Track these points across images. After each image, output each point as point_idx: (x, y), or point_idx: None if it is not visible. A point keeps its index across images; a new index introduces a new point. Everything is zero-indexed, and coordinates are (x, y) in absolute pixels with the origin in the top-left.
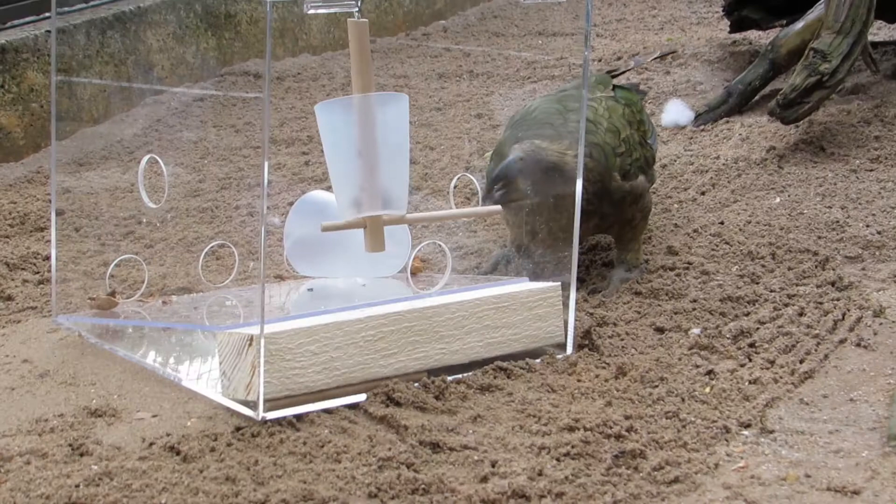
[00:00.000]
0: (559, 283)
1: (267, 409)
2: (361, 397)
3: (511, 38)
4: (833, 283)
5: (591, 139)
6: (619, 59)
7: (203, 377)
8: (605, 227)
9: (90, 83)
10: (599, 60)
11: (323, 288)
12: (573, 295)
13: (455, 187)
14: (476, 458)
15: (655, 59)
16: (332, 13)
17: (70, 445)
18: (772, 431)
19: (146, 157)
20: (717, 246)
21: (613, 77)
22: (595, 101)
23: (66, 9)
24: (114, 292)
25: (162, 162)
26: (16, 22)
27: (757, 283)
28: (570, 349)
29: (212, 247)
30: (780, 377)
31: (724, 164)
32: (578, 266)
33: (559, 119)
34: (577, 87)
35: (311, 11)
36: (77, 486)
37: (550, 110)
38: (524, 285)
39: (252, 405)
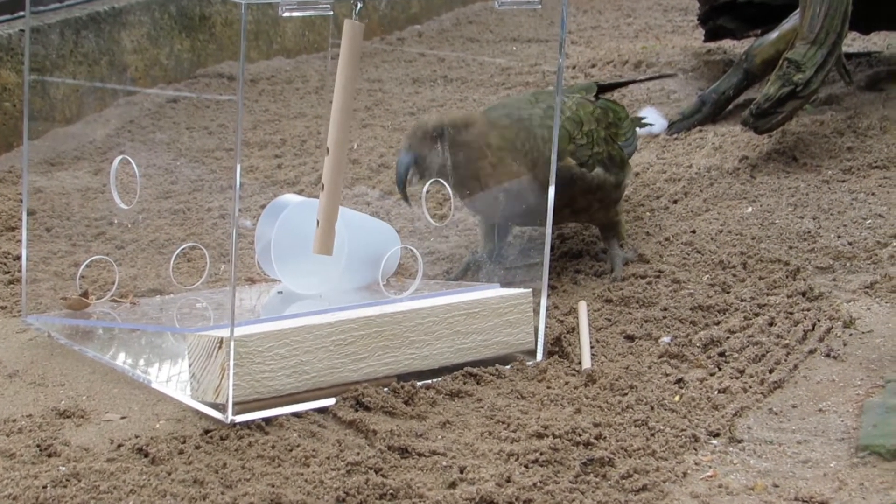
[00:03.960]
0: (530, 290)
1: (236, 412)
2: (331, 401)
3: (486, 44)
4: (804, 294)
5: (548, 123)
6: (593, 66)
7: (172, 379)
8: (565, 208)
9: (63, 83)
10: (574, 67)
11: (292, 291)
12: (544, 302)
13: (427, 192)
14: (444, 463)
15: (651, 79)
16: (306, 16)
17: (38, 446)
18: (740, 441)
19: (118, 158)
20: (689, 255)
21: (605, 89)
22: (568, 98)
23: (41, 8)
24: (86, 293)
25: (134, 163)
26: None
27: (728, 293)
28: (539, 356)
29: (183, 249)
30: (750, 387)
31: (696, 173)
32: (550, 273)
33: (524, 106)
34: (539, 91)
35: (287, 15)
36: (45, 486)
37: (521, 100)
38: (495, 291)
39: (221, 408)
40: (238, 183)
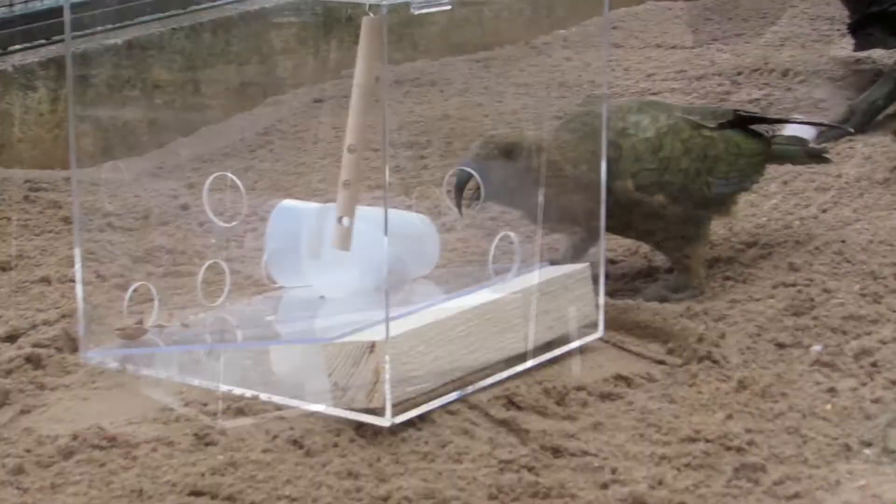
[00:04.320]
0: (588, 265)
1: (394, 414)
2: (481, 397)
3: (630, 50)
4: None
5: (619, 140)
6: (739, 73)
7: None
8: (628, 229)
9: (213, 80)
10: (719, 75)
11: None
12: (602, 275)
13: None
14: (596, 464)
15: (802, 122)
16: (449, 18)
17: (196, 435)
18: (893, 451)
19: (213, 175)
20: (839, 264)
21: (746, 120)
22: (669, 117)
23: (194, 7)
24: (141, 320)
25: (236, 179)
26: (143, 18)
27: (879, 303)
28: (601, 330)
29: (209, 264)
30: None
31: (846, 183)
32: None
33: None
34: (653, 102)
35: (417, 12)
36: (202, 474)
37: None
38: (559, 269)
39: (375, 412)
40: (387, 182)
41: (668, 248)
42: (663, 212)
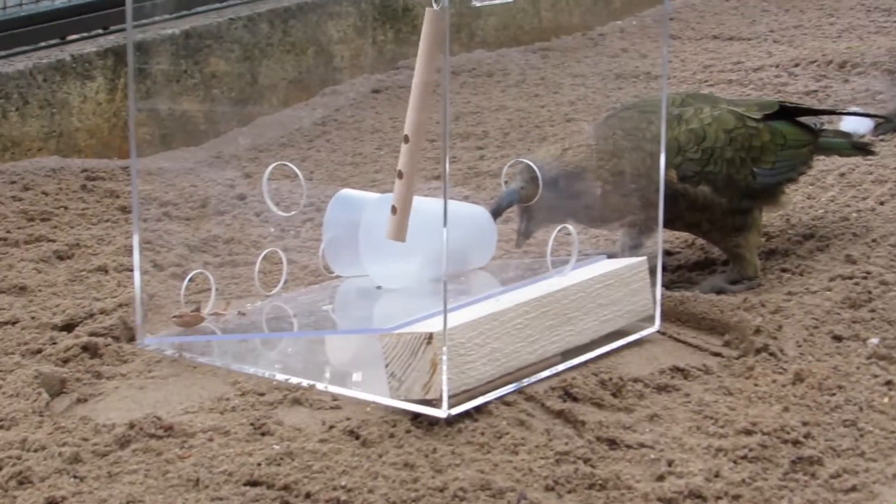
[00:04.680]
0: (646, 258)
1: (451, 406)
2: (538, 389)
3: (686, 42)
4: None
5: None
6: (796, 65)
7: (352, 380)
8: (677, 220)
9: (271, 70)
10: (776, 66)
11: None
12: (659, 268)
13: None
14: (653, 456)
15: (849, 114)
16: (506, 9)
17: (252, 424)
18: None
19: (273, 164)
20: None
21: (793, 111)
22: (714, 108)
23: None
24: (198, 308)
25: (297, 169)
26: (200, 9)
27: None
28: (657, 323)
29: (266, 253)
30: None
31: None
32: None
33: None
34: (698, 94)
35: (479, 4)
36: (258, 464)
37: (655, 103)
38: (618, 262)
39: (431, 403)
40: (447, 173)
41: (717, 239)
42: (708, 202)
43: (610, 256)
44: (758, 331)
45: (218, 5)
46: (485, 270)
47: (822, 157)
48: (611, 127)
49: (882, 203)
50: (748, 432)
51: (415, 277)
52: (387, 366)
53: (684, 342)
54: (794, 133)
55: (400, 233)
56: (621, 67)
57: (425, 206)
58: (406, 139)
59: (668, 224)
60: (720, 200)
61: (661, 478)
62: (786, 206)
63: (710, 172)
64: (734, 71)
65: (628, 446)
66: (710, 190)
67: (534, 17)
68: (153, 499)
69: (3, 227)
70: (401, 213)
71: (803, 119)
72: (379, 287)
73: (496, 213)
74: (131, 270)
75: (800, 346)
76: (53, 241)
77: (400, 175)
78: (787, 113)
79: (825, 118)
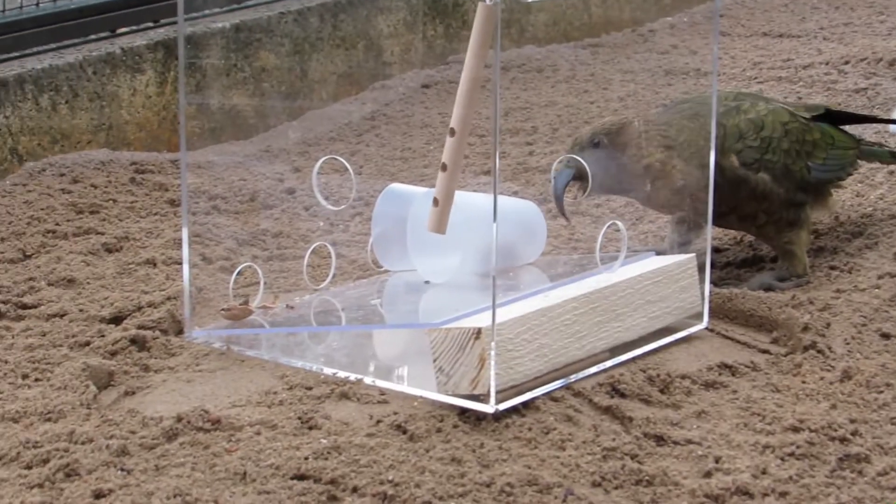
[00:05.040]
0: (694, 255)
1: (498, 401)
2: (585, 385)
3: (737, 38)
4: None
5: (723, 120)
6: (846, 62)
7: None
8: (731, 214)
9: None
10: (826, 64)
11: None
12: (708, 265)
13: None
14: (700, 453)
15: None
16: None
17: (299, 418)
18: None
19: (322, 159)
20: None
21: (837, 117)
22: (769, 103)
23: None
24: (247, 301)
25: (346, 163)
26: (250, 2)
27: None
28: (706, 320)
29: (315, 247)
30: None
31: None
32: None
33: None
34: (747, 93)
35: (529, 0)
36: (306, 458)
37: (706, 98)
38: (667, 259)
39: (479, 398)
40: (497, 169)
41: (771, 233)
42: (767, 191)
43: (659, 253)
44: (806, 328)
45: (268, 0)
46: (534, 266)
47: None
48: (667, 119)
49: None
50: (795, 429)
51: (460, 272)
52: (435, 360)
53: (732, 339)
54: (839, 136)
55: (440, 225)
56: (671, 64)
57: (475, 201)
58: (452, 132)
59: (720, 218)
60: (778, 190)
61: (707, 474)
62: (832, 209)
63: (768, 161)
64: (784, 68)
65: (675, 443)
66: (769, 178)
67: (584, 12)
68: (200, 492)
69: (53, 219)
70: (442, 205)
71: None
72: (427, 282)
73: (558, 199)
74: (180, 263)
75: (848, 344)
76: (102, 233)
77: (444, 168)
78: (832, 119)
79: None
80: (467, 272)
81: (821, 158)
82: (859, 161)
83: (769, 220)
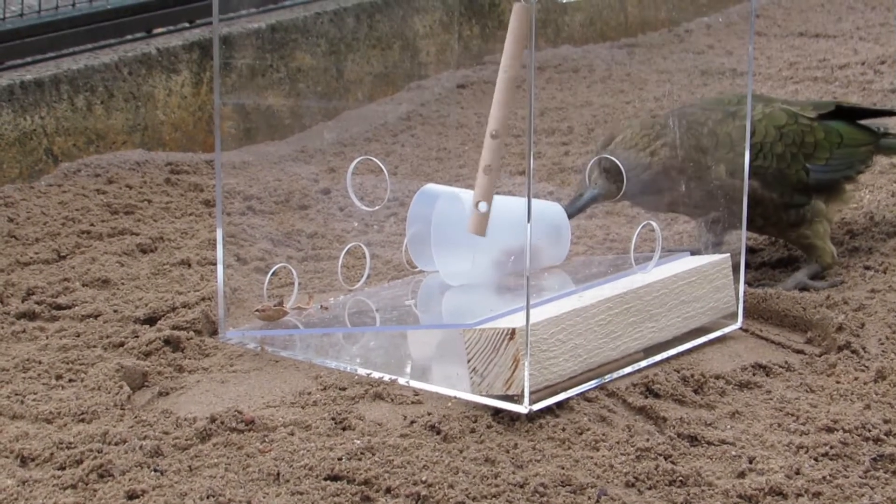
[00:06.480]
0: (728, 255)
1: (532, 402)
2: (620, 385)
3: (773, 38)
4: None
5: (716, 129)
6: (882, 62)
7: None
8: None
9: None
10: (862, 64)
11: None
12: (742, 265)
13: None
14: (734, 453)
15: None
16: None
17: (333, 419)
18: None
19: (357, 159)
20: None
21: (850, 112)
22: (767, 106)
23: None
24: (281, 301)
25: (381, 164)
26: (286, 3)
27: None
28: (740, 320)
29: (350, 247)
30: None
31: None
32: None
33: (708, 109)
34: (756, 95)
35: (565, 0)
36: (340, 459)
37: (710, 103)
38: (702, 259)
39: (513, 399)
40: (531, 169)
41: (774, 234)
42: (758, 197)
43: (693, 253)
44: (840, 328)
45: (304, 0)
46: (561, 269)
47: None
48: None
49: None
50: (829, 429)
51: (478, 275)
52: (468, 361)
53: (767, 339)
54: (851, 133)
55: (480, 227)
56: (707, 64)
57: (505, 202)
58: (494, 135)
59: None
60: (770, 195)
61: (741, 474)
62: (847, 203)
63: (759, 167)
64: (820, 68)
65: (709, 443)
66: (759, 185)
67: (620, 13)
68: (233, 493)
69: (87, 219)
70: (483, 207)
71: (866, 122)
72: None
73: (573, 213)
74: (214, 264)
75: (882, 344)
76: (137, 234)
77: (487, 170)
78: (849, 114)
79: None
80: (482, 275)
81: (823, 159)
82: (882, 156)
83: (766, 223)
